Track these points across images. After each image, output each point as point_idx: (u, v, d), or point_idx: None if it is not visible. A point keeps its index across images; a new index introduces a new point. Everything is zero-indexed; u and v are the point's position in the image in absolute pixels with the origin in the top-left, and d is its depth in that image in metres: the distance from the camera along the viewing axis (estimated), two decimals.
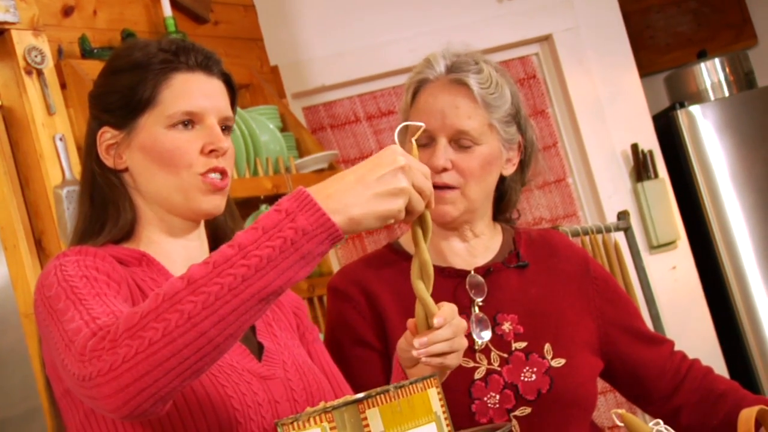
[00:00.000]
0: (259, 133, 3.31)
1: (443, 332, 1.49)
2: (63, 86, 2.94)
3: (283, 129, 3.53)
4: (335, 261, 4.12)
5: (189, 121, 1.60)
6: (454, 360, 1.53)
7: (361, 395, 1.23)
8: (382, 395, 1.24)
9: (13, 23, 2.84)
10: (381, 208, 1.34)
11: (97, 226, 1.63)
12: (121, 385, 1.28)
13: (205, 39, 3.59)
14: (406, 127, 1.82)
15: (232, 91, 1.68)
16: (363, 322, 1.97)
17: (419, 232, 1.45)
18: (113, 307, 1.41)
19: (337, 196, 1.33)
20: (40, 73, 2.87)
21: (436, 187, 1.90)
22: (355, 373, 1.90)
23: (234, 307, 1.28)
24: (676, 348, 2.12)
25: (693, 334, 4.35)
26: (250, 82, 3.64)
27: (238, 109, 3.26)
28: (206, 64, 1.63)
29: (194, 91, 1.60)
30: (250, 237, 1.30)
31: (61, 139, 2.84)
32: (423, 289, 1.48)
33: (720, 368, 4.36)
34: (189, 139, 1.59)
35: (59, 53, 3.01)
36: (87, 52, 3.08)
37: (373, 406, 1.22)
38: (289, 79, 4.04)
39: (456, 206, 1.94)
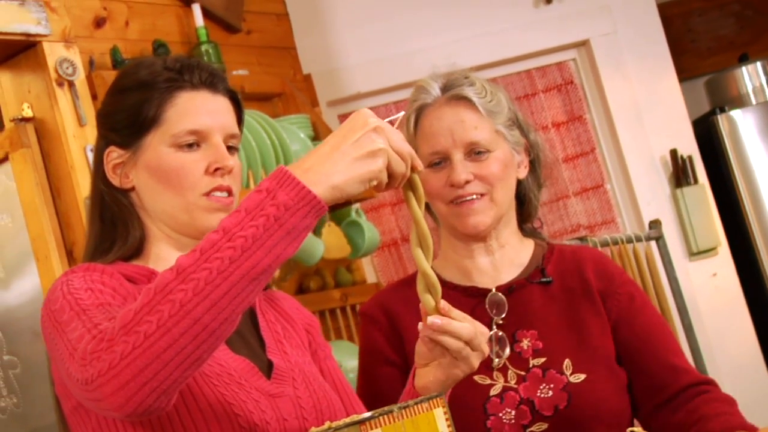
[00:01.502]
0: (290, 142, 3.31)
1: (459, 327, 1.47)
2: (94, 97, 2.97)
3: (315, 138, 3.53)
4: (371, 270, 4.11)
5: (194, 142, 1.60)
6: (459, 370, 1.51)
7: (366, 415, 1.22)
8: (386, 416, 1.22)
9: (44, 35, 2.87)
10: (361, 171, 1.34)
11: (107, 244, 1.63)
12: (122, 382, 1.28)
13: (237, 48, 3.60)
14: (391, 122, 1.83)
15: (239, 108, 1.68)
16: (386, 341, 1.99)
17: (411, 197, 1.44)
18: (116, 314, 1.41)
19: (316, 168, 1.33)
20: (71, 84, 2.89)
21: (463, 200, 1.94)
22: (382, 391, 1.91)
23: (225, 291, 1.28)
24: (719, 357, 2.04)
25: (734, 340, 4.30)
26: (283, 91, 3.65)
27: (268, 117, 3.28)
28: (211, 81, 1.62)
29: (199, 110, 1.60)
30: (233, 220, 1.30)
31: (92, 150, 2.85)
32: (422, 257, 1.46)
33: (761, 374, 4.32)
34: (194, 159, 1.59)
35: (91, 65, 3.04)
36: (118, 63, 3.11)
37: (376, 427, 1.21)
38: (323, 87, 4.04)
39: (487, 214, 1.95)
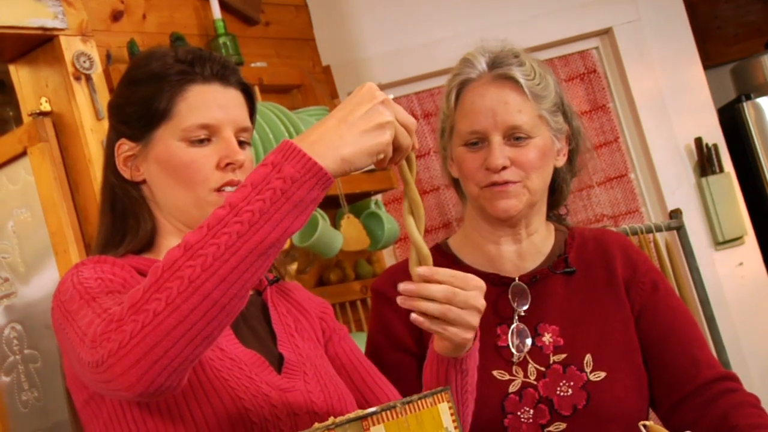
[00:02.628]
0: None
1: (433, 288, 1.43)
2: (111, 91, 2.95)
3: None
4: (392, 261, 4.10)
5: (205, 137, 1.59)
6: (455, 334, 1.46)
7: (370, 410, 1.20)
8: (389, 411, 1.20)
9: (61, 29, 2.87)
10: (370, 143, 1.33)
11: (118, 237, 1.63)
12: (132, 361, 1.27)
13: (255, 40, 3.59)
14: None
15: (251, 101, 1.66)
16: (402, 325, 1.93)
17: (405, 166, 1.43)
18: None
19: (323, 140, 1.31)
20: (88, 78, 2.90)
21: (498, 185, 1.88)
22: (394, 378, 1.85)
23: (234, 266, 1.27)
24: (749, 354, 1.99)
25: (761, 330, 4.27)
26: (302, 83, 3.63)
27: (286, 110, 3.26)
28: (223, 74, 1.61)
29: (210, 103, 1.59)
30: (240, 195, 1.29)
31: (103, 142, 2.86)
32: (412, 224, 1.44)
33: None
34: (205, 154, 1.58)
35: (108, 58, 3.04)
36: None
37: (378, 423, 1.19)
38: (342, 78, 4.02)
39: (520, 199, 1.89)
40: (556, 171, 1.97)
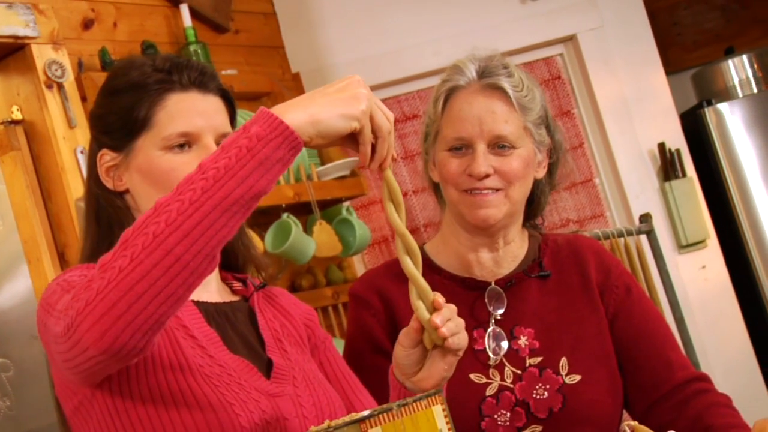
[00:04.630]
0: None
1: (453, 328, 1.48)
2: (83, 99, 2.96)
3: None
4: (361, 267, 4.11)
5: (186, 143, 1.59)
6: (456, 354, 1.51)
7: (364, 413, 1.22)
8: (385, 414, 1.22)
9: (33, 37, 2.87)
10: (343, 107, 1.35)
11: (104, 247, 1.61)
12: (96, 317, 1.28)
13: (225, 48, 3.60)
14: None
15: (231, 106, 1.67)
16: (381, 330, 1.95)
17: (385, 188, 1.45)
18: None
19: (296, 103, 1.35)
20: (60, 86, 2.89)
21: (478, 192, 1.89)
22: (374, 382, 1.86)
23: (197, 221, 1.28)
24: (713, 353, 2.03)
25: (724, 332, 4.32)
26: (272, 90, 3.65)
27: None
28: (201, 81, 1.61)
29: (189, 111, 1.59)
30: (210, 157, 1.32)
31: (82, 152, 2.85)
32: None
33: (751, 366, 4.33)
34: (185, 162, 1.57)
35: (79, 66, 3.03)
36: (107, 65, 3.10)
37: (376, 425, 1.21)
38: (312, 85, 4.03)
39: (500, 208, 1.91)
40: (535, 183, 1.99)
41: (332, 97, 1.35)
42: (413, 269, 1.47)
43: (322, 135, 1.35)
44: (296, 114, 1.33)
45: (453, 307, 1.50)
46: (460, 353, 1.52)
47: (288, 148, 1.32)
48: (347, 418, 1.22)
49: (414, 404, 1.26)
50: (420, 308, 1.47)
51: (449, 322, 1.48)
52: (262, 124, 1.31)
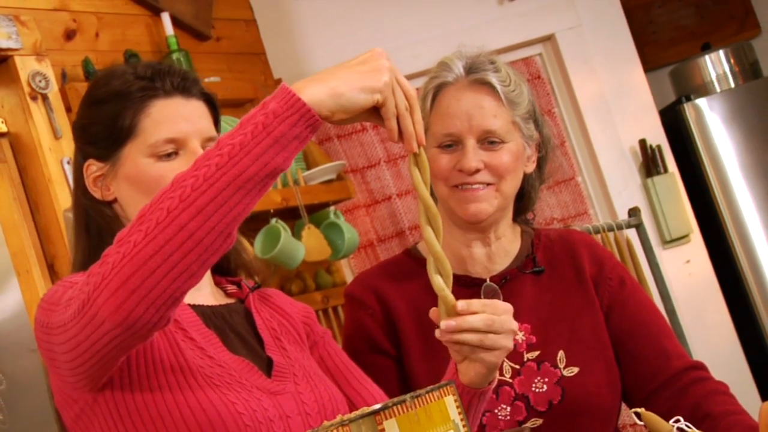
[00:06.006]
0: None
1: (473, 320, 1.47)
2: (68, 110, 2.96)
3: None
4: (348, 271, 4.11)
5: (172, 151, 1.59)
6: (493, 357, 1.50)
7: (378, 406, 1.22)
8: (399, 405, 1.22)
9: (16, 49, 2.86)
10: (364, 80, 1.33)
11: (96, 256, 1.62)
12: (112, 290, 1.28)
13: (207, 56, 3.60)
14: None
15: (215, 110, 1.67)
16: (379, 329, 1.96)
17: (417, 172, 1.44)
18: None
19: (316, 78, 1.33)
20: (45, 97, 2.88)
21: (469, 186, 1.90)
22: (373, 381, 1.87)
23: (211, 197, 1.27)
24: (702, 349, 2.05)
25: (710, 326, 4.34)
26: (255, 97, 3.65)
27: None
28: (184, 86, 1.61)
29: (174, 117, 1.58)
30: (228, 133, 1.31)
31: (68, 163, 2.84)
32: (432, 237, 1.45)
33: (737, 358, 4.35)
34: (174, 168, 1.56)
35: (63, 77, 3.03)
36: (91, 75, 3.10)
37: (391, 417, 1.21)
38: None
39: (491, 203, 1.92)
40: (525, 177, 2.01)
41: (353, 70, 1.34)
42: (435, 242, 1.47)
43: (344, 109, 1.33)
44: (316, 89, 1.31)
45: (494, 304, 1.49)
46: (503, 354, 1.51)
47: (305, 125, 1.31)
48: (359, 412, 1.22)
49: (427, 395, 1.26)
50: (437, 282, 1.47)
51: (474, 317, 1.47)
52: (280, 101, 1.30)
